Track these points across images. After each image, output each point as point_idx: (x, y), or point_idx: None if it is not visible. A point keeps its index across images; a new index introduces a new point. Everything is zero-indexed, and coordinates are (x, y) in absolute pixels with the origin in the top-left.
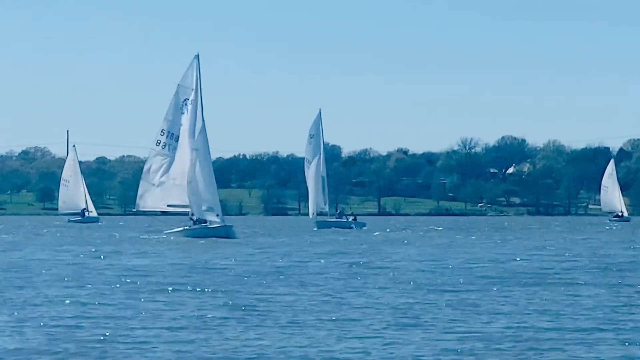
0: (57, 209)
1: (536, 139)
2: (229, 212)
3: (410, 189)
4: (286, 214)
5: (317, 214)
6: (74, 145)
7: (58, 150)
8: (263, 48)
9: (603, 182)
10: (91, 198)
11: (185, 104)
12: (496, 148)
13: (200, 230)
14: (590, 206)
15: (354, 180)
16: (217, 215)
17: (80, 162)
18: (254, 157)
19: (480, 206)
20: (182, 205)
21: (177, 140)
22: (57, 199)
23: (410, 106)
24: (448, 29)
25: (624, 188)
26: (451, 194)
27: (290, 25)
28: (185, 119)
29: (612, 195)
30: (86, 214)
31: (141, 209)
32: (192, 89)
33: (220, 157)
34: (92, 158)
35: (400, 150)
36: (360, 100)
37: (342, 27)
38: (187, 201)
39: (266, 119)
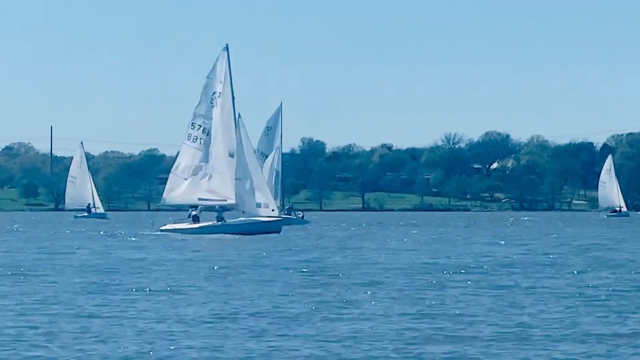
0: (41, 205)
1: (520, 134)
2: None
3: (394, 184)
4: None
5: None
6: (81, 142)
7: (42, 146)
8: (247, 42)
9: (601, 178)
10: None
11: (215, 97)
12: (480, 144)
13: (249, 226)
14: (574, 201)
15: (337, 176)
16: (273, 210)
17: (63, 158)
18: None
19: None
20: (214, 199)
21: (208, 134)
22: (41, 194)
23: (394, 101)
24: (431, 25)
25: None
26: (435, 190)
27: (275, 20)
28: (216, 112)
29: (610, 190)
30: (92, 210)
31: (167, 203)
32: (221, 82)
33: None
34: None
35: (384, 146)
36: (344, 96)
37: (329, 23)
38: (220, 195)
39: (251, 115)
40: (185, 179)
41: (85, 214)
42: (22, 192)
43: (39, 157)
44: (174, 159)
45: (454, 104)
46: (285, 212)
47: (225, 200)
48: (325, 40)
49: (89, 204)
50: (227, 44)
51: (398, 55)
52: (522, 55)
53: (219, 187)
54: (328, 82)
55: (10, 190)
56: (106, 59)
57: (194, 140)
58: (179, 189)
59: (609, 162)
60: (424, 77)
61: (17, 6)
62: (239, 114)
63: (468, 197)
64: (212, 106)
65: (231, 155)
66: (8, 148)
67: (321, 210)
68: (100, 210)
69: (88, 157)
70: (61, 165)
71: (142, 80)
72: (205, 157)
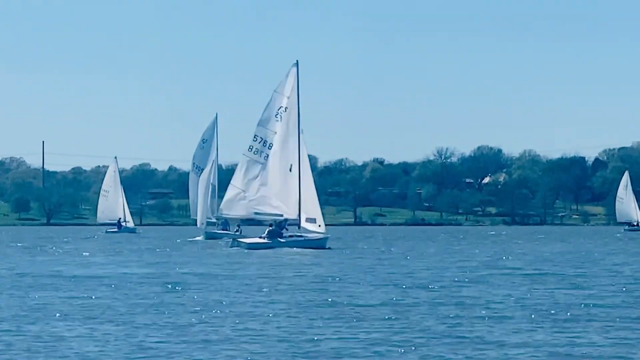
0: (32, 219)
1: (512, 148)
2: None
3: (386, 198)
4: (261, 224)
5: (207, 224)
6: (115, 157)
7: (34, 161)
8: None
9: (618, 194)
10: (66, 209)
11: (280, 112)
12: (472, 158)
13: (294, 242)
14: (566, 216)
15: (329, 190)
16: (320, 225)
17: (55, 172)
18: (229, 167)
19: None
20: (270, 214)
21: (270, 147)
22: (32, 209)
23: (386, 116)
24: (423, 39)
25: (600, 198)
26: (427, 204)
27: (261, 33)
28: (280, 127)
29: (627, 206)
30: (123, 224)
31: (224, 215)
32: (288, 97)
33: None
34: (67, 168)
35: (376, 160)
36: (336, 110)
37: (317, 35)
38: (276, 210)
39: (242, 130)
40: (244, 191)
41: (116, 229)
42: (14, 207)
43: (31, 172)
44: (165, 174)
45: (445, 119)
46: (221, 226)
47: (282, 215)
48: (316, 55)
49: (120, 218)
50: (297, 60)
51: (389, 69)
52: (514, 70)
53: (277, 201)
54: (319, 97)
55: (1, 205)
56: (97, 74)
57: (255, 152)
58: (237, 202)
59: (625, 178)
60: (416, 91)
61: (11, 18)
62: (302, 129)
63: (460, 211)
64: (277, 120)
65: (291, 170)
66: (0, 163)
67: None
68: (131, 224)
69: (80, 172)
70: (53, 180)
71: (133, 97)
72: (266, 170)
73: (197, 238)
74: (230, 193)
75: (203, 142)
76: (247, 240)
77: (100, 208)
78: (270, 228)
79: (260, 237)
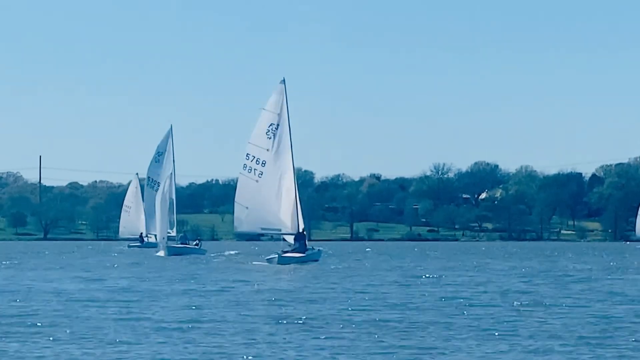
0: (29, 234)
1: (509, 164)
2: (202, 237)
3: (383, 214)
4: (259, 239)
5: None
6: (136, 173)
7: (30, 176)
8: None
9: None
10: (63, 223)
11: (272, 129)
12: (469, 174)
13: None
14: (562, 231)
15: (326, 206)
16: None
17: (52, 187)
18: (226, 183)
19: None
20: (274, 230)
21: (263, 164)
22: (29, 224)
23: (382, 132)
24: (419, 55)
25: (596, 214)
26: (424, 219)
27: (254, 48)
28: (272, 144)
29: None
30: (145, 239)
31: (238, 231)
32: (278, 114)
33: (192, 183)
34: (64, 183)
35: (372, 176)
36: (333, 126)
37: (313, 52)
38: (277, 225)
39: (236, 145)
40: (247, 208)
41: (138, 244)
42: (11, 222)
43: (28, 187)
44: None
45: (442, 134)
46: (180, 241)
47: (280, 230)
48: (312, 70)
49: (141, 233)
50: (284, 78)
51: (386, 85)
52: (511, 86)
53: (275, 217)
54: (315, 112)
55: None
56: (93, 90)
57: (249, 170)
58: (245, 218)
59: None
60: (413, 107)
61: (8, 32)
62: (292, 145)
63: (456, 227)
64: (269, 138)
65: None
66: None
67: (310, 240)
68: (152, 239)
69: (76, 186)
70: (50, 195)
71: (132, 112)
72: (261, 187)
73: (159, 253)
74: (237, 210)
75: (158, 155)
76: (296, 255)
77: (122, 223)
78: (301, 241)
79: (294, 251)
